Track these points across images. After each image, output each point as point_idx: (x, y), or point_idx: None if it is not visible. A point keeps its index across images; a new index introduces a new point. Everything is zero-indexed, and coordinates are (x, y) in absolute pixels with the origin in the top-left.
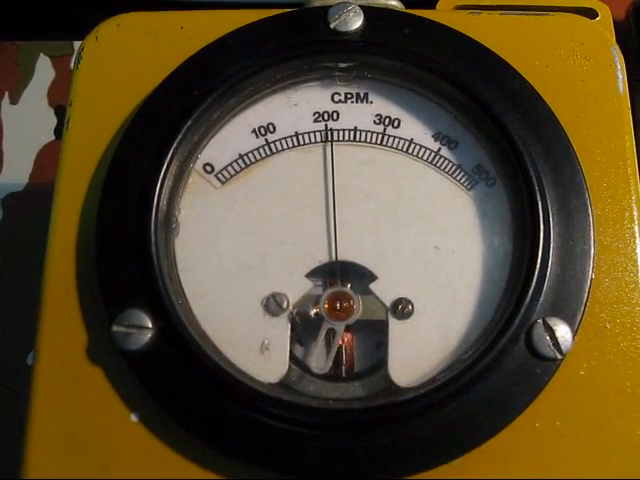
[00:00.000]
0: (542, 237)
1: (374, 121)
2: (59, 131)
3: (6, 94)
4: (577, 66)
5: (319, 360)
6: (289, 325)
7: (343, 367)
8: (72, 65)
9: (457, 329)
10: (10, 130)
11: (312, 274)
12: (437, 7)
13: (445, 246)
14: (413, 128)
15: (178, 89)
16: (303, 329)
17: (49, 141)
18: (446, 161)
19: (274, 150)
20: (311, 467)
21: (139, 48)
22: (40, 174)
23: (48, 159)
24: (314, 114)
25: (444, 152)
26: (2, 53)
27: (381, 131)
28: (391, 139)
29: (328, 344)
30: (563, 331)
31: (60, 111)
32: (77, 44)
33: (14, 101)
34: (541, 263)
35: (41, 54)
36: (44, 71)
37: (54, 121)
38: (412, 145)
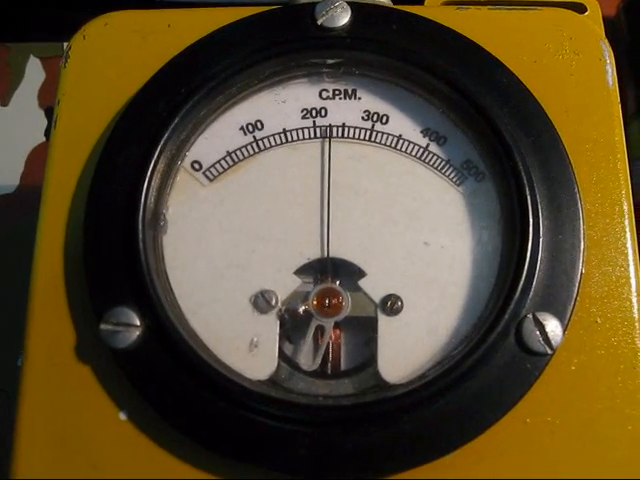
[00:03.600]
0: (531, 232)
1: (362, 117)
2: (49, 133)
3: None
4: (566, 60)
5: (308, 357)
6: (278, 322)
7: (332, 364)
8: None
9: (447, 325)
10: (0, 132)
11: (301, 271)
12: (425, 3)
13: (434, 242)
14: (401, 124)
15: (165, 87)
16: (292, 326)
17: (39, 143)
18: (435, 156)
19: (262, 147)
20: (301, 464)
21: (126, 46)
22: (31, 176)
23: (39, 161)
24: (302, 111)
25: (433, 148)
26: None
27: (369, 127)
28: (379, 135)
29: (317, 341)
30: (553, 326)
31: (50, 112)
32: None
33: (4, 103)
34: (530, 258)
35: (31, 55)
36: (34, 72)
37: (44, 123)
38: (401, 141)
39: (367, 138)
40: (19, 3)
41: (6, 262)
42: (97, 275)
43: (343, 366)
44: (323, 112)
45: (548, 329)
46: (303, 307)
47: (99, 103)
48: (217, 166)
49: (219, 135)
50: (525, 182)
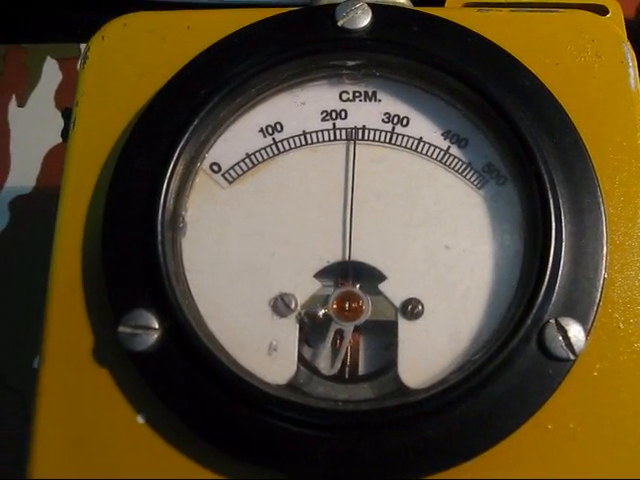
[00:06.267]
0: (554, 236)
1: (383, 119)
2: (66, 134)
3: (13, 97)
4: (588, 63)
5: (327, 361)
6: (297, 326)
7: (352, 368)
8: (79, 66)
9: (468, 329)
10: (17, 133)
11: (321, 274)
12: (446, 4)
13: (455, 245)
14: (422, 126)
15: (184, 88)
16: (311, 330)
17: (56, 144)
18: (456, 159)
19: (281, 149)
20: (319, 469)
21: (145, 48)
22: (47, 177)
23: (55, 162)
24: (322, 113)
25: (454, 150)
26: (10, 56)
27: (390, 129)
28: (400, 137)
29: (337, 345)
30: (576, 331)
31: (67, 114)
32: (84, 47)
33: (21, 104)
34: (553, 262)
35: (48, 57)
36: (51, 74)
37: (61, 124)
38: (421, 144)
39: (387, 140)
40: (35, 5)
41: (23, 263)
42: (115, 277)
43: (363, 370)
44: (343, 114)
45: (571, 334)
46: (323, 311)
47: (118, 104)
48: (236, 168)
49: (238, 137)
50: (547, 186)
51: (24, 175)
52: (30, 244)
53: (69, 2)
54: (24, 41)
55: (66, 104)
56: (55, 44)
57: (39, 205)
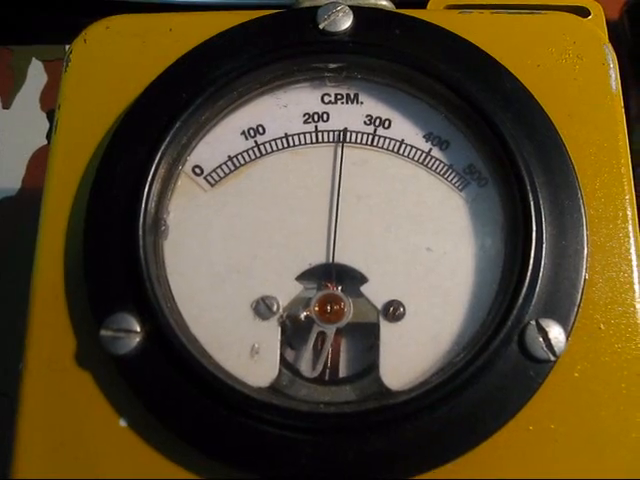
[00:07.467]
0: (534, 237)
1: (364, 122)
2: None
3: None
4: (569, 65)
5: (310, 364)
6: (279, 328)
7: (334, 370)
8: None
9: (449, 331)
10: (3, 134)
11: (303, 277)
12: (428, 7)
13: (437, 247)
14: (404, 128)
15: (166, 91)
16: (293, 332)
17: (41, 145)
18: (437, 161)
19: (264, 152)
20: (302, 472)
21: (128, 50)
22: (33, 178)
23: (41, 163)
24: (304, 115)
25: (435, 152)
26: None
27: (372, 132)
28: (382, 140)
29: (319, 347)
30: (556, 332)
31: (52, 115)
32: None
33: (7, 105)
34: (534, 264)
35: (34, 58)
36: (37, 75)
37: (46, 125)
38: (403, 146)
39: (369, 143)
40: (22, 6)
41: (7, 265)
42: (97, 280)
43: (345, 373)
44: (325, 117)
45: (551, 335)
46: (305, 313)
47: (100, 107)
48: (218, 171)
49: (220, 140)
50: (528, 187)
51: (9, 177)
52: (15, 247)
53: (55, 3)
54: (10, 42)
55: (51, 106)
56: (40, 45)
57: (24, 207)
